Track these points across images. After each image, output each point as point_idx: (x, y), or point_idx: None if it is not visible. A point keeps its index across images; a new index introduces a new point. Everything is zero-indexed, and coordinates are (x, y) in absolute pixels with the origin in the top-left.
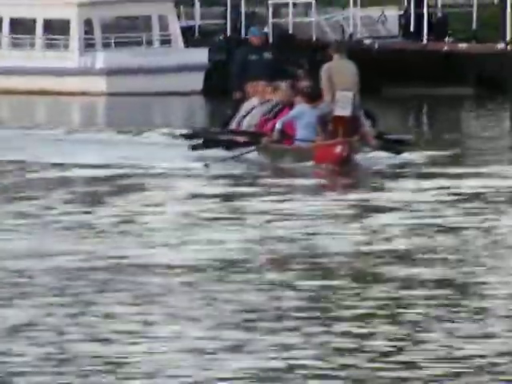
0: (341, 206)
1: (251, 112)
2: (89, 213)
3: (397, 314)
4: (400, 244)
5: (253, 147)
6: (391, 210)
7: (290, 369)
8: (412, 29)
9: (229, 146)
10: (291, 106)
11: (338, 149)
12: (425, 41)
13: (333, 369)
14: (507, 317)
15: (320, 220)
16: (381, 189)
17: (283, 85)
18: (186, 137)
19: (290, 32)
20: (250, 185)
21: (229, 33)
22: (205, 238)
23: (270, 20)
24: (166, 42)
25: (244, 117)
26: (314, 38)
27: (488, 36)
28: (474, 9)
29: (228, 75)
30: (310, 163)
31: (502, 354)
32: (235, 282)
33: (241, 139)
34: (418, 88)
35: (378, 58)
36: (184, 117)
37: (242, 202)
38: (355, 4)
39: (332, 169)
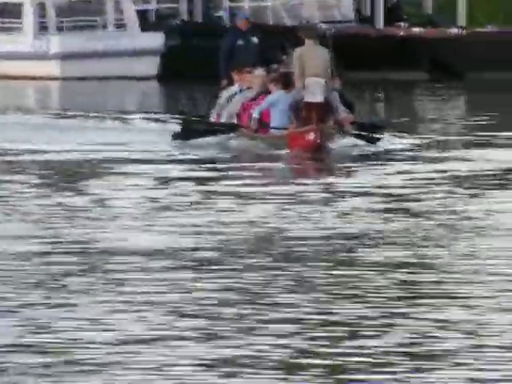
0: (312, 190)
1: (232, 100)
2: (56, 197)
3: (366, 297)
4: (367, 227)
5: (231, 134)
6: (361, 194)
7: (253, 356)
8: (367, 13)
9: (208, 133)
10: (268, 93)
11: (311, 136)
12: (380, 25)
13: (299, 354)
14: (469, 297)
15: (290, 204)
16: (352, 173)
17: (260, 71)
18: (176, 136)
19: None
20: (223, 170)
21: (184, 17)
22: (174, 222)
23: (227, 4)
24: (121, 25)
25: (224, 105)
26: (270, 23)
27: (443, 21)
28: None
29: (186, 60)
30: (285, 151)
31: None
32: (198, 267)
33: (220, 128)
34: (374, 72)
35: (333, 43)
36: (139, 101)
37: (214, 187)
38: None
39: (305, 155)
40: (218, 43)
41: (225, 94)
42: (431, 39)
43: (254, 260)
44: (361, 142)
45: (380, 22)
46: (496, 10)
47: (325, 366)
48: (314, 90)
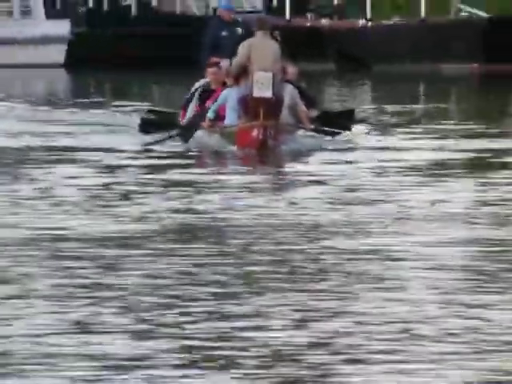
0: (262, 179)
1: (195, 95)
2: (5, 184)
3: (311, 286)
4: (318, 217)
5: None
6: (312, 183)
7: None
8: (275, 4)
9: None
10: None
11: (254, 132)
12: (288, 16)
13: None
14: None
15: (241, 193)
16: (300, 164)
17: (226, 63)
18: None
19: (154, 5)
20: (176, 158)
21: (91, 4)
22: (125, 209)
23: None
24: (26, 12)
25: (190, 100)
26: (178, 11)
27: (352, 12)
28: None
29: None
30: (234, 148)
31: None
32: (143, 254)
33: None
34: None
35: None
36: (45, 89)
37: (166, 175)
38: None
39: (251, 152)
40: (127, 31)
41: (192, 88)
42: (338, 31)
43: (187, 247)
44: (322, 137)
45: (288, 13)
46: (405, 1)
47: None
48: (263, 85)
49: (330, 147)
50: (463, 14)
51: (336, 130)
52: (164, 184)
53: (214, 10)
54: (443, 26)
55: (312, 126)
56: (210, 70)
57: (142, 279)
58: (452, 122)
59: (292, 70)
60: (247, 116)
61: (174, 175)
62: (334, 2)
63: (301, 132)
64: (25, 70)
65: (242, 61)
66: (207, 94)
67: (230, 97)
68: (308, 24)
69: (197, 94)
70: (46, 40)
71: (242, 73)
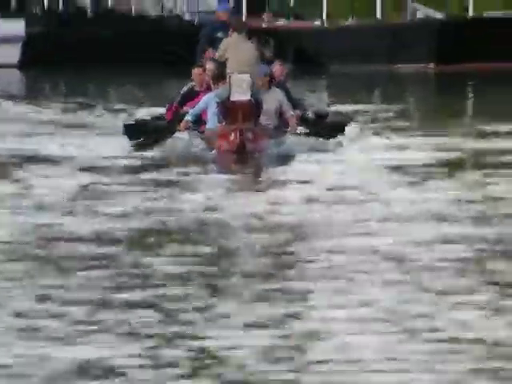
0: (241, 179)
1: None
2: None
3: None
4: (295, 217)
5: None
6: (292, 183)
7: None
8: (231, 5)
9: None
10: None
11: (232, 136)
12: (244, 17)
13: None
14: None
15: (219, 193)
16: (285, 165)
17: (211, 65)
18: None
19: (110, 5)
20: (155, 159)
21: (46, 4)
22: (102, 209)
23: None
24: None
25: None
26: (134, 12)
27: (306, 13)
28: None
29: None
30: (214, 151)
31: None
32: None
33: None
34: None
35: (198, 33)
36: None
37: (146, 175)
38: None
39: (229, 156)
40: (83, 32)
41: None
42: (295, 31)
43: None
44: (313, 139)
45: (244, 14)
46: (361, 3)
47: None
48: (240, 88)
49: (315, 152)
50: (419, 14)
51: (331, 131)
52: (142, 183)
53: (178, 15)
54: (399, 26)
55: (299, 129)
56: (195, 70)
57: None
58: (412, 121)
59: (279, 70)
60: (226, 120)
61: (153, 176)
62: (289, 3)
63: (291, 136)
64: None
65: (223, 57)
66: (190, 96)
67: (210, 101)
68: (264, 25)
69: (180, 95)
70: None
71: (221, 76)
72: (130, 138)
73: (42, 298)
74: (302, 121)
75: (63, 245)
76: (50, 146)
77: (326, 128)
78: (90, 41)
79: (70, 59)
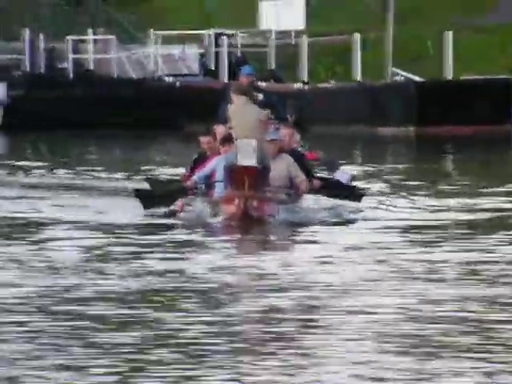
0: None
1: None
2: None
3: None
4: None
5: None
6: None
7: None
8: (212, 67)
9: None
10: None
11: (236, 203)
12: (225, 80)
13: None
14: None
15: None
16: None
17: (221, 129)
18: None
19: (91, 68)
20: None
21: (28, 68)
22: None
23: (71, 56)
24: None
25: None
26: (116, 75)
27: (285, 75)
28: (272, 49)
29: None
30: (221, 218)
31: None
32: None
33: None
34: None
35: (180, 96)
36: None
37: (153, 236)
38: (156, 41)
39: (234, 222)
40: (65, 94)
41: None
42: (276, 93)
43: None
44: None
45: (225, 76)
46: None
47: None
48: (247, 153)
49: (326, 218)
50: (398, 77)
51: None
52: (149, 245)
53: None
54: (379, 89)
55: (306, 193)
56: (203, 139)
57: None
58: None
59: (288, 134)
60: (232, 185)
61: (162, 236)
62: (269, 66)
63: (308, 202)
64: None
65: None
66: (201, 161)
67: (219, 163)
68: None
69: (192, 161)
70: None
71: (230, 139)
72: (145, 207)
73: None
74: (323, 186)
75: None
76: (47, 209)
77: (347, 193)
78: (72, 103)
79: (52, 121)
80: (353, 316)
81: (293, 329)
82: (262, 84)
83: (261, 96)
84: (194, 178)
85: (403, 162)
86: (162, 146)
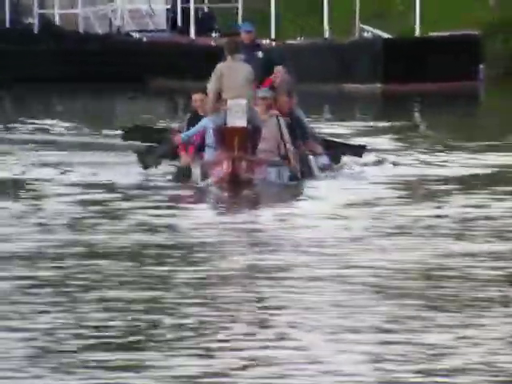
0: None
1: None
2: None
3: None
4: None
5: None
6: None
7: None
8: (179, 23)
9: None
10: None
11: (225, 165)
12: (192, 35)
13: None
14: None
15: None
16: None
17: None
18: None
19: (57, 23)
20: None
21: None
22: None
23: (36, 10)
24: None
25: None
26: (82, 30)
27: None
28: (240, 4)
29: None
30: (211, 181)
31: None
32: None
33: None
34: (186, 81)
35: (146, 51)
36: None
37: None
38: None
39: (224, 186)
40: (31, 49)
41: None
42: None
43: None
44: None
45: (192, 32)
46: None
47: None
48: (237, 113)
49: (312, 183)
50: (366, 34)
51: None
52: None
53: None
54: (346, 46)
55: (295, 164)
56: (196, 96)
57: None
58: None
59: (284, 100)
60: (222, 147)
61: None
62: (237, 23)
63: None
64: None
65: (215, 88)
66: (194, 122)
67: (208, 125)
68: (213, 43)
69: (186, 122)
70: None
71: (219, 102)
72: (145, 167)
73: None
74: (323, 145)
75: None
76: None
77: (348, 150)
78: (38, 57)
79: (18, 76)
80: (347, 270)
81: (285, 284)
82: (263, 41)
83: (260, 54)
84: (182, 135)
85: (371, 119)
86: (126, 100)
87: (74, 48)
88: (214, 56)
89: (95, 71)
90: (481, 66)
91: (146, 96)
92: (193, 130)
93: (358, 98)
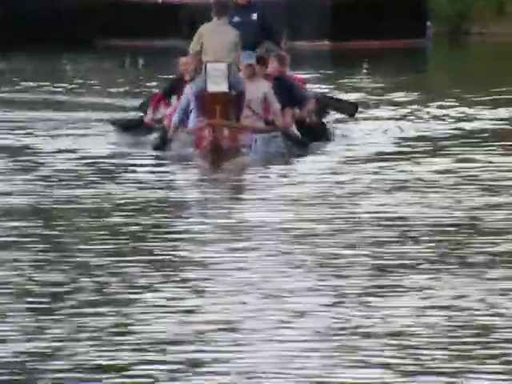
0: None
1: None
2: None
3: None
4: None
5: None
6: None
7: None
8: None
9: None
10: None
11: (205, 133)
12: None
13: None
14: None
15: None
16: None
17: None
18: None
19: None
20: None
21: None
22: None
23: None
24: None
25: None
26: None
27: None
28: None
29: None
30: (193, 150)
31: None
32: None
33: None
34: (134, 39)
35: (90, 9)
36: None
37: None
38: None
39: (205, 154)
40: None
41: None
42: (189, 6)
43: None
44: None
45: None
46: None
47: None
48: (217, 78)
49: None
50: None
51: (306, 141)
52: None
53: None
54: (295, 3)
55: (281, 129)
56: (182, 59)
57: None
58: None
59: (274, 64)
60: (204, 114)
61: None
62: None
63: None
64: None
65: (194, 49)
66: (178, 86)
67: (190, 94)
68: (159, 0)
69: (168, 82)
70: None
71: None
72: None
73: None
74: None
75: None
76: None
77: (342, 107)
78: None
79: None
80: (343, 224)
81: (279, 239)
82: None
83: (254, 16)
84: (174, 119)
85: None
86: (77, 61)
87: (21, 11)
88: (163, 12)
89: (44, 34)
90: (428, 24)
91: (93, 56)
92: (179, 105)
93: (307, 56)
